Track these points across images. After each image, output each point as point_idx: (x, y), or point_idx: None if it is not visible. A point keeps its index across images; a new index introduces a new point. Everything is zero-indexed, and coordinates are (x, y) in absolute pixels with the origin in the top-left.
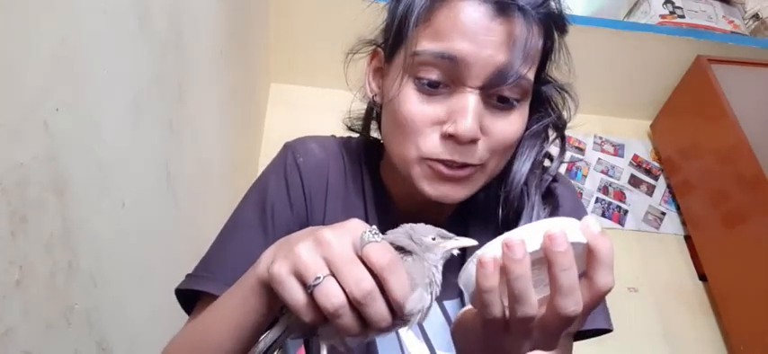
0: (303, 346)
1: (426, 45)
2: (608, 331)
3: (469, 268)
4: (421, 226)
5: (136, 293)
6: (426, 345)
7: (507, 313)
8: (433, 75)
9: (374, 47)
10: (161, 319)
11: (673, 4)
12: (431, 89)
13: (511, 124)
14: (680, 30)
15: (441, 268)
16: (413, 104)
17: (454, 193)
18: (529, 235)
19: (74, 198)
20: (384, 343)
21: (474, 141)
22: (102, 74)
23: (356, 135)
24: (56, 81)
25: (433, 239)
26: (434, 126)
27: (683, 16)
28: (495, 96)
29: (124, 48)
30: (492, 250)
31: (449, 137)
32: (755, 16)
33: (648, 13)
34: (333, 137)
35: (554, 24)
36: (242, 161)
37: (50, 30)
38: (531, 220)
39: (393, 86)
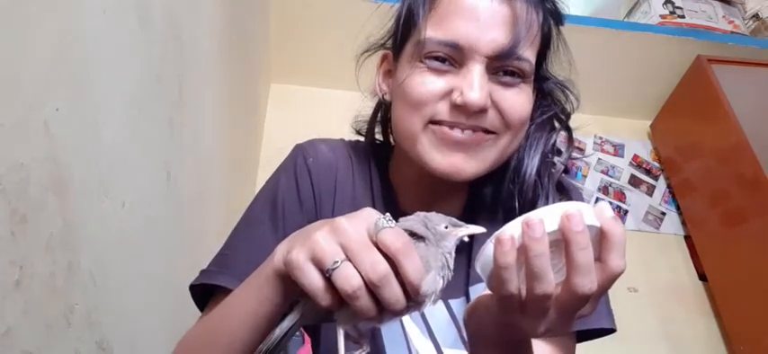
0: (309, 345)
1: (432, 33)
2: (612, 331)
3: (487, 249)
4: (434, 215)
5: (136, 293)
6: (432, 342)
7: (523, 292)
8: (440, 54)
9: (384, 50)
10: (161, 319)
11: (673, 4)
12: (439, 64)
13: (518, 95)
14: (680, 31)
15: (454, 255)
16: (422, 81)
17: (464, 164)
18: (547, 216)
19: (74, 198)
20: (390, 340)
21: (483, 111)
22: (102, 74)
23: (364, 139)
24: (56, 81)
25: (446, 227)
26: (443, 97)
27: (683, 16)
28: (501, 72)
29: (124, 48)
30: (510, 229)
31: (458, 107)
32: (755, 16)
33: (648, 13)
34: (341, 140)
35: (550, 13)
36: (242, 161)
37: (50, 30)
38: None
39: (402, 73)
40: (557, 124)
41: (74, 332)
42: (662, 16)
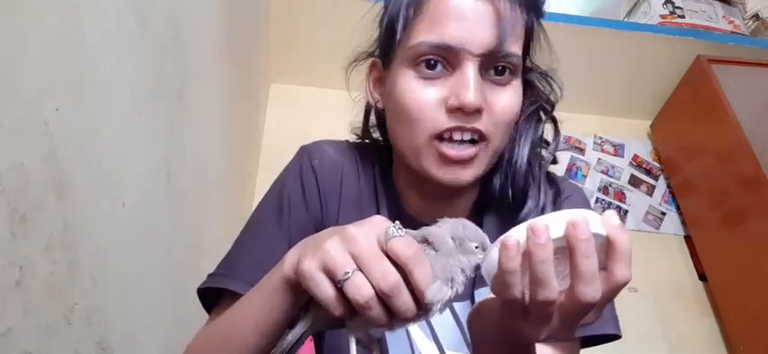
0: (310, 343)
1: (422, 37)
2: (617, 337)
3: (492, 254)
4: (472, 230)
5: (136, 293)
6: (436, 345)
7: (527, 297)
8: (431, 57)
9: (372, 58)
10: (161, 319)
11: (673, 4)
12: (430, 72)
13: (508, 97)
14: (680, 31)
15: (468, 273)
16: (416, 91)
17: (464, 174)
18: (552, 222)
19: (74, 198)
20: (394, 343)
21: (479, 111)
22: (102, 73)
23: (366, 141)
24: (56, 81)
25: (476, 247)
26: (439, 105)
27: (683, 16)
28: (491, 70)
29: (124, 48)
30: (515, 234)
31: (455, 111)
32: (755, 16)
33: (648, 13)
34: (346, 141)
35: (531, 8)
36: (242, 161)
37: (50, 30)
38: (537, 198)
39: (394, 81)
40: (543, 115)
41: (74, 332)
42: (662, 16)
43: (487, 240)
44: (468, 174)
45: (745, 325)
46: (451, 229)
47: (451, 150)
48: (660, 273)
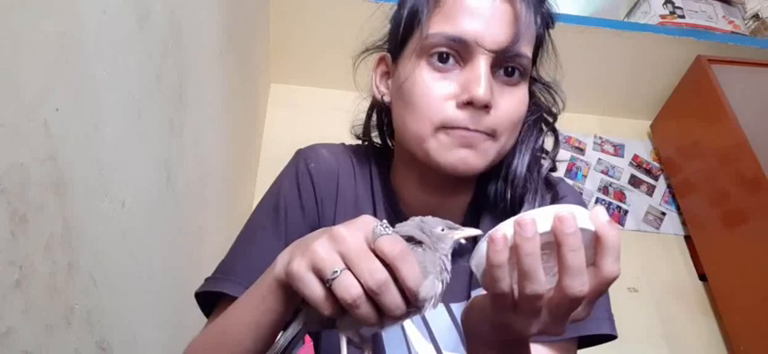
0: (309, 345)
1: (438, 28)
2: (612, 337)
3: (481, 248)
4: (430, 218)
5: (136, 293)
6: (433, 345)
7: (516, 291)
8: (444, 49)
9: (380, 52)
10: (161, 319)
11: (673, 4)
12: (442, 65)
13: (516, 99)
14: (680, 31)
15: (450, 257)
16: (427, 82)
17: (470, 159)
18: (539, 217)
19: (74, 198)
20: (391, 343)
21: (487, 107)
22: (102, 74)
23: (362, 143)
24: (56, 81)
25: (442, 230)
26: (449, 99)
27: (683, 16)
28: (501, 71)
29: (124, 48)
30: (503, 229)
31: (465, 105)
32: (755, 16)
33: (648, 13)
34: (342, 143)
35: (544, 14)
36: (242, 161)
37: (50, 30)
38: (534, 202)
39: (405, 71)
40: (544, 126)
41: (74, 332)
42: (662, 16)
43: (449, 221)
44: (475, 159)
45: (745, 325)
46: (417, 225)
47: (463, 131)
48: (660, 273)
